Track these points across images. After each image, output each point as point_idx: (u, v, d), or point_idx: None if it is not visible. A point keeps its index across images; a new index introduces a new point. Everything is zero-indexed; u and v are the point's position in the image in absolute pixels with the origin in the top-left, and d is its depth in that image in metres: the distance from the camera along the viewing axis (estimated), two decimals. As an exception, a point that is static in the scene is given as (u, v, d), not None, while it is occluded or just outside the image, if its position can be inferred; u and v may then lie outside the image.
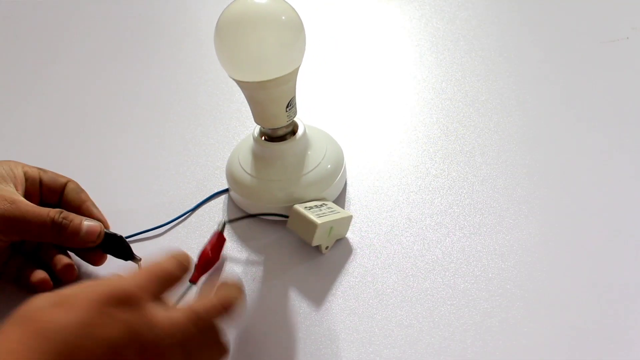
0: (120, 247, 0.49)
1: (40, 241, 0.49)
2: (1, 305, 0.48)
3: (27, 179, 0.49)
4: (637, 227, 0.50)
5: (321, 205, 0.50)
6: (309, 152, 0.53)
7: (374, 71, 0.73)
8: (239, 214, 0.54)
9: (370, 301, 0.47)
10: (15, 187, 0.48)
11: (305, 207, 0.49)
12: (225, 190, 0.57)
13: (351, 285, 0.48)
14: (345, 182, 0.57)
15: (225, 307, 0.38)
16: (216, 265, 0.50)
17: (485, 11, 0.81)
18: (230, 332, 0.45)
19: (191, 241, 0.53)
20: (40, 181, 0.50)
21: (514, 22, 0.79)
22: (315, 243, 0.47)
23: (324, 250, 0.50)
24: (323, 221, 0.47)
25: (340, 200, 0.55)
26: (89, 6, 0.91)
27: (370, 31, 0.80)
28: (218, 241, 0.50)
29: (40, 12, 0.91)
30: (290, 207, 0.49)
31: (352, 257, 0.50)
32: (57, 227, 0.46)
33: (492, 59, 0.72)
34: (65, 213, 0.47)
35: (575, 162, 0.57)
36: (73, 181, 0.52)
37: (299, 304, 0.47)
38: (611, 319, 0.44)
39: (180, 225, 0.55)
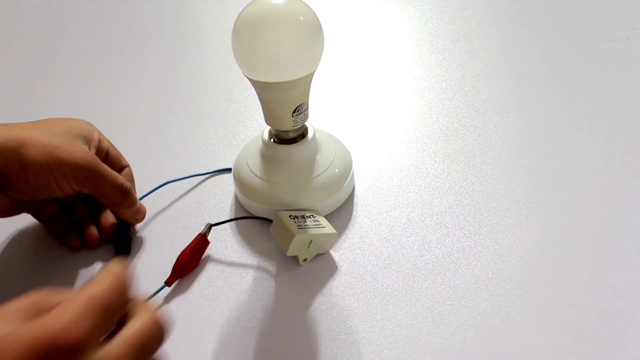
0: (124, 237, 0.51)
1: (100, 200, 0.51)
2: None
3: (99, 147, 0.52)
4: (637, 227, 0.50)
5: (309, 217, 0.49)
6: (318, 156, 0.53)
7: (374, 71, 0.73)
8: (245, 214, 0.54)
9: (370, 301, 0.47)
10: (89, 148, 0.51)
11: (290, 216, 0.48)
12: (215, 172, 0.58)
13: (351, 285, 0.48)
14: (354, 187, 0.56)
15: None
16: (196, 271, 0.49)
17: (485, 11, 0.81)
18: (230, 332, 0.45)
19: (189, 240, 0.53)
20: (107, 154, 0.53)
21: (514, 22, 0.79)
22: (290, 253, 0.47)
23: (301, 262, 0.49)
24: (300, 234, 0.46)
25: (348, 202, 0.54)
26: (89, 6, 0.92)
27: (370, 31, 0.80)
28: (199, 244, 0.49)
29: (40, 11, 0.91)
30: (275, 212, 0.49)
31: (352, 257, 0.50)
32: (124, 192, 0.50)
33: (492, 59, 0.72)
34: (130, 184, 0.51)
35: (575, 162, 0.57)
36: (130, 168, 0.56)
37: (298, 304, 0.47)
38: (611, 319, 0.44)
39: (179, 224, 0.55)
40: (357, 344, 0.44)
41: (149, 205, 0.55)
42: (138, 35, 0.84)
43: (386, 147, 0.61)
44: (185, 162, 0.61)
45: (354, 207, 0.54)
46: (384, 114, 0.66)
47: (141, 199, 0.54)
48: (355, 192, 0.56)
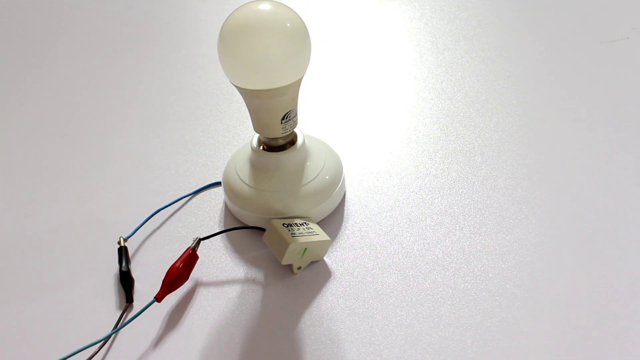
0: (127, 282, 0.49)
1: None
2: None
3: None
4: (637, 227, 0.50)
5: (302, 224, 0.49)
6: (307, 163, 0.52)
7: (373, 71, 0.73)
8: (235, 224, 0.53)
9: (370, 301, 0.47)
10: None
11: (284, 224, 0.48)
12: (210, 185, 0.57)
13: (351, 285, 0.48)
14: (345, 193, 0.56)
15: None
16: (188, 286, 0.49)
17: (485, 11, 0.81)
18: (230, 331, 0.45)
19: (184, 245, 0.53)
20: None
21: (514, 22, 0.79)
22: (285, 262, 0.46)
23: (295, 270, 0.49)
24: (296, 242, 0.46)
25: (339, 208, 0.54)
26: (88, 5, 0.91)
27: (370, 31, 0.80)
28: (189, 258, 0.48)
29: (40, 10, 0.91)
30: (268, 220, 0.48)
31: (352, 258, 0.50)
32: None
33: (492, 59, 0.72)
34: None
35: (575, 162, 0.57)
36: None
37: (296, 310, 0.47)
38: (611, 319, 0.44)
39: (178, 222, 0.55)
40: (357, 344, 0.44)
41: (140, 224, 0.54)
42: (137, 35, 0.84)
43: (386, 147, 0.61)
44: (185, 162, 0.61)
45: (346, 211, 0.54)
46: (384, 115, 0.66)
47: (135, 231, 0.53)
48: (347, 196, 0.56)
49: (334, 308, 0.46)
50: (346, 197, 0.55)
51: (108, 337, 0.45)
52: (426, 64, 0.72)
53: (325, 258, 0.50)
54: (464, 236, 0.51)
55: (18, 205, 0.58)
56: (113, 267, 0.50)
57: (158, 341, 0.45)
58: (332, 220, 0.53)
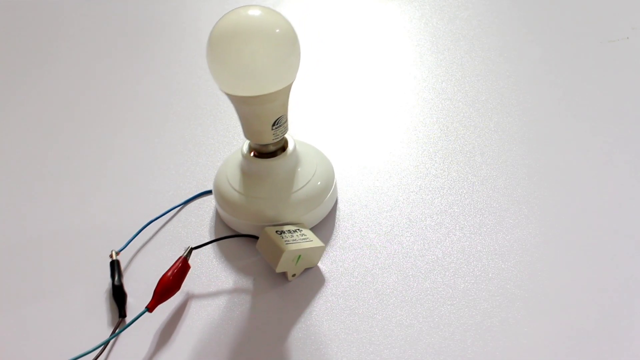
0: (120, 297, 0.48)
1: None
2: None
3: None
4: (637, 227, 0.50)
5: (295, 231, 0.48)
6: (298, 169, 0.52)
7: (373, 71, 0.73)
8: (227, 232, 0.53)
9: (370, 301, 0.47)
10: None
11: (277, 231, 0.47)
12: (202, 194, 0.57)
13: (351, 285, 0.48)
14: (337, 199, 0.55)
15: None
16: (180, 296, 0.48)
17: (485, 11, 0.81)
18: (229, 331, 0.45)
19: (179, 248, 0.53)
20: None
21: (514, 22, 0.79)
22: (279, 270, 0.46)
23: (290, 278, 0.48)
24: (290, 249, 0.46)
25: (331, 213, 0.54)
26: (89, 5, 0.91)
27: (370, 31, 0.80)
28: (181, 267, 0.47)
29: (40, 10, 0.91)
30: (261, 228, 0.48)
31: (352, 258, 0.50)
32: None
33: (492, 59, 0.72)
34: None
35: (575, 162, 0.57)
36: None
37: (295, 310, 0.47)
38: (611, 319, 0.44)
39: (177, 222, 0.55)
40: (357, 344, 0.44)
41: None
42: (138, 35, 0.84)
43: (386, 147, 0.61)
44: (185, 162, 0.61)
45: (346, 212, 0.54)
46: (384, 115, 0.66)
47: (126, 244, 0.52)
48: (347, 197, 0.55)
49: (334, 308, 0.46)
50: (346, 197, 0.55)
51: (103, 345, 0.44)
52: (426, 64, 0.72)
53: (322, 260, 0.50)
54: (464, 236, 0.51)
55: (10, 214, 0.58)
56: (105, 280, 0.49)
57: (150, 351, 0.45)
58: (326, 225, 0.53)
